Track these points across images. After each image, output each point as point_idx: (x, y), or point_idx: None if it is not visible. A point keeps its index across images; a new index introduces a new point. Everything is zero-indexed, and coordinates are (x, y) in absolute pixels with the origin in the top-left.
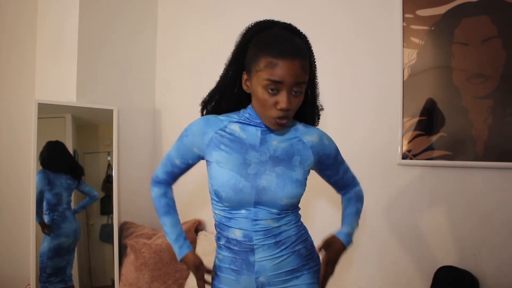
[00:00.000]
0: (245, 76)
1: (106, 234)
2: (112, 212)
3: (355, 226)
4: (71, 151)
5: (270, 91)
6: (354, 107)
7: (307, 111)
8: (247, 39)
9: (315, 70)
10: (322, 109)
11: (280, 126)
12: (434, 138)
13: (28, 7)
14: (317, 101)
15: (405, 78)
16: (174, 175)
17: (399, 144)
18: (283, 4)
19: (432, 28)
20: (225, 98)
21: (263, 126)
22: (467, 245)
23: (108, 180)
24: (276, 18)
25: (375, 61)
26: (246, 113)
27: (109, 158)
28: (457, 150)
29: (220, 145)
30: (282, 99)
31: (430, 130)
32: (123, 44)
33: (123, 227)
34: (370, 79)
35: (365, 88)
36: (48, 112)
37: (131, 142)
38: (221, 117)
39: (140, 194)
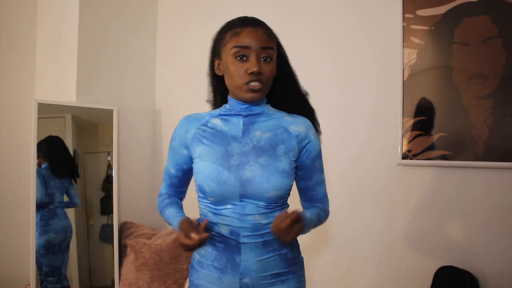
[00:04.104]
0: (216, 62)
1: (106, 234)
2: (112, 212)
3: (314, 222)
4: (71, 151)
5: (239, 58)
6: (354, 107)
7: (292, 97)
8: (216, 38)
9: (287, 58)
10: (307, 93)
11: (254, 92)
12: (434, 138)
13: (28, 7)
14: (300, 87)
15: (405, 78)
16: (174, 186)
17: (399, 144)
18: (282, 4)
19: (432, 28)
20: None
21: (243, 114)
22: (467, 245)
23: (108, 180)
24: (276, 18)
25: (375, 61)
26: (227, 104)
27: (109, 158)
28: (457, 150)
29: (202, 140)
30: (252, 63)
31: (430, 130)
32: (123, 44)
33: (123, 227)
34: (370, 79)
35: (365, 88)
36: (48, 112)
37: (131, 142)
38: (204, 113)
39: (140, 194)
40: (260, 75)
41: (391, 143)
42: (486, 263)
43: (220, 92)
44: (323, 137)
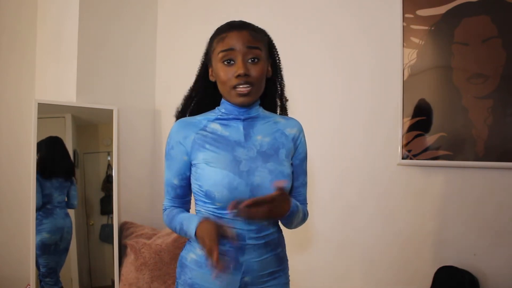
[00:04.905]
0: (210, 69)
1: (106, 234)
2: (112, 212)
3: (297, 211)
4: (71, 151)
5: (226, 63)
6: (354, 107)
7: (275, 102)
8: (207, 45)
9: (279, 63)
10: (287, 100)
11: (243, 97)
12: (434, 138)
13: (28, 7)
14: (284, 93)
15: (405, 78)
16: (179, 197)
17: (399, 144)
18: (282, 4)
19: (432, 28)
20: (199, 102)
21: (242, 118)
22: (467, 245)
23: (108, 180)
24: (276, 18)
25: (375, 61)
26: (222, 108)
27: (109, 158)
28: (457, 150)
29: (204, 145)
30: (238, 65)
31: (430, 130)
32: (123, 44)
33: (123, 227)
34: (370, 79)
35: (365, 88)
36: (48, 112)
37: (131, 142)
38: (198, 117)
39: (140, 194)
40: (247, 77)
41: (391, 143)
42: (486, 263)
43: (207, 97)
44: (323, 137)
